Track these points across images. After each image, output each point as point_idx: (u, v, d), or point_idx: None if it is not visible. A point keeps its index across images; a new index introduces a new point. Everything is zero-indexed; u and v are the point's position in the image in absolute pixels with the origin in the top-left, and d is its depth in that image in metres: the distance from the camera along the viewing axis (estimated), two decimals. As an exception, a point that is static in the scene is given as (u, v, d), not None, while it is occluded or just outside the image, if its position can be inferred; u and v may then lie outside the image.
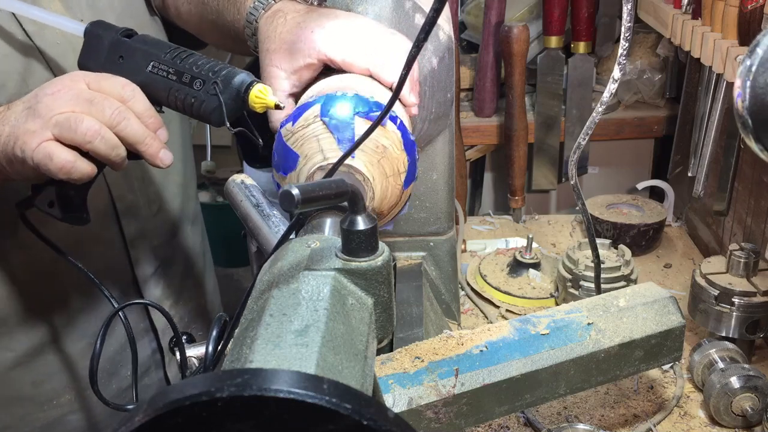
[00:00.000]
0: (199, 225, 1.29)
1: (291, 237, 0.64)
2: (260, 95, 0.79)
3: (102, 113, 0.77)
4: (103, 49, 0.87)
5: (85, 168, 0.77)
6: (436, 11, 0.49)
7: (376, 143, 0.73)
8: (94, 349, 0.81)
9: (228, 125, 0.80)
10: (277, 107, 0.79)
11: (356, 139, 0.72)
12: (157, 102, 0.84)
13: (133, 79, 0.82)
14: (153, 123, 0.81)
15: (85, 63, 0.88)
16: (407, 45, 0.84)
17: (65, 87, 0.78)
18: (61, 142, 0.76)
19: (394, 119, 0.76)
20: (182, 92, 0.82)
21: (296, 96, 0.86)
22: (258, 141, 0.83)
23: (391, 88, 0.82)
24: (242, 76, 0.80)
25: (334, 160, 0.70)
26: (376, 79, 0.82)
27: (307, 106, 0.75)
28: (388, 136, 0.75)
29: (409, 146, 0.77)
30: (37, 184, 0.85)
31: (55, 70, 0.95)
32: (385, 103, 0.78)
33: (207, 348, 0.61)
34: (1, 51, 0.91)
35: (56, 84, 0.79)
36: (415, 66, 0.86)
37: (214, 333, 0.63)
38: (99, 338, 0.81)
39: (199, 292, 1.28)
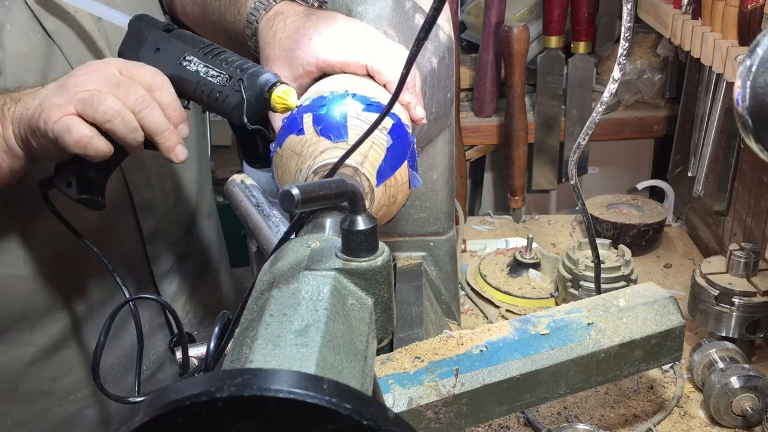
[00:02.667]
0: (214, 220, 1.30)
1: (291, 237, 0.64)
2: (283, 96, 0.80)
3: (126, 97, 0.78)
4: (143, 41, 0.89)
5: (101, 145, 0.78)
6: (436, 10, 0.49)
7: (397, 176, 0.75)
8: (98, 341, 0.81)
9: (246, 122, 0.81)
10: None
11: (388, 152, 0.74)
12: (184, 95, 0.86)
13: (165, 70, 0.84)
14: (176, 116, 0.82)
15: (124, 52, 0.91)
16: (406, 52, 0.84)
17: (98, 69, 0.80)
18: (83, 119, 0.77)
19: (412, 164, 0.78)
20: (208, 86, 0.84)
21: None
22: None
23: (387, 87, 0.82)
24: (268, 76, 0.81)
25: (363, 167, 0.72)
26: (373, 77, 0.82)
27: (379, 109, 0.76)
28: (402, 174, 0.77)
29: (415, 182, 0.79)
30: (60, 164, 0.86)
31: (75, 67, 0.95)
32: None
33: (209, 346, 0.61)
34: (21, 49, 0.91)
35: (90, 66, 0.81)
36: (417, 75, 0.86)
37: (216, 331, 0.63)
38: (104, 330, 0.82)
39: (214, 288, 1.28)
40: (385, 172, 0.74)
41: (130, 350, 1.11)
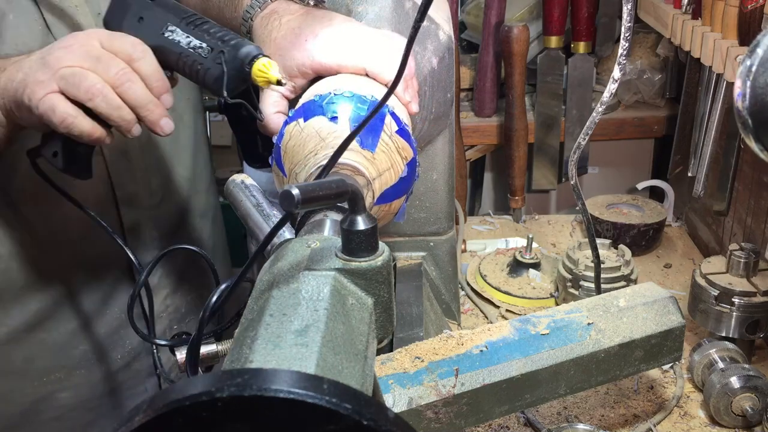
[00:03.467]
0: (210, 219, 1.29)
1: (291, 237, 0.64)
2: (264, 69, 0.78)
3: (107, 72, 0.77)
4: (127, 9, 0.87)
5: (85, 125, 0.78)
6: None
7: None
8: (137, 283, 0.86)
9: (225, 95, 0.79)
10: (279, 83, 0.78)
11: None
12: (167, 66, 0.84)
13: (147, 40, 0.82)
14: (159, 87, 0.81)
15: (109, 22, 0.89)
16: (404, 43, 0.85)
17: (78, 42, 0.79)
18: (67, 97, 0.77)
19: (407, 199, 0.80)
20: (191, 58, 0.82)
21: (290, 101, 0.87)
22: (258, 115, 0.84)
23: (386, 86, 0.83)
24: (249, 48, 0.79)
25: (374, 182, 0.73)
26: (373, 79, 0.82)
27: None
28: (396, 204, 0.79)
29: (400, 216, 0.81)
30: (46, 134, 0.85)
31: None
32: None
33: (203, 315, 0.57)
34: (21, 40, 0.91)
35: (71, 38, 0.80)
36: (411, 63, 0.87)
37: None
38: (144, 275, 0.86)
39: (202, 284, 1.28)
40: (387, 196, 0.76)
41: (104, 338, 1.11)
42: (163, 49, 0.83)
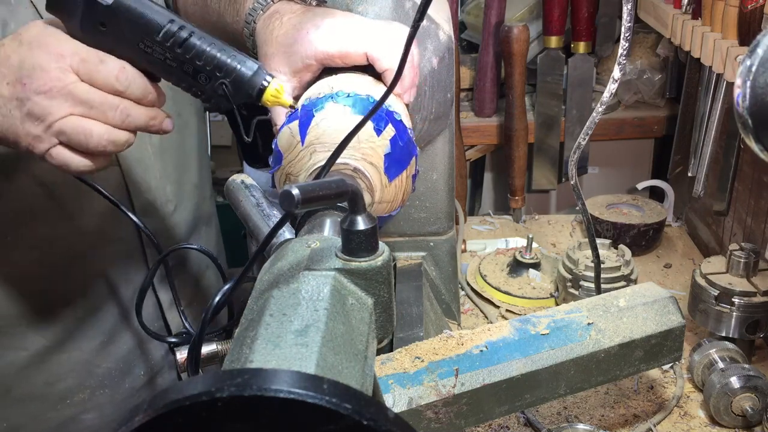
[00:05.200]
0: (214, 226, 1.29)
1: (291, 237, 0.64)
2: (276, 95, 0.77)
3: (105, 116, 0.74)
4: (76, 6, 0.74)
5: (102, 163, 0.78)
6: None
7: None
8: (143, 282, 0.91)
9: (245, 134, 0.80)
10: (291, 107, 0.78)
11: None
12: (152, 75, 0.78)
13: (122, 51, 0.76)
14: (152, 99, 0.78)
15: (59, 15, 0.76)
16: (405, 31, 0.85)
17: (54, 82, 0.72)
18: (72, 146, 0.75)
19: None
20: (184, 81, 0.77)
21: (298, 98, 0.87)
22: (245, 137, 0.83)
23: (386, 75, 0.84)
24: (253, 78, 0.76)
25: (374, 205, 0.75)
26: (372, 65, 0.83)
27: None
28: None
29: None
30: None
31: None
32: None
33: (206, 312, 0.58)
34: None
35: (42, 75, 0.72)
36: (415, 52, 0.87)
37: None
38: (149, 275, 0.91)
39: (211, 296, 1.27)
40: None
41: (127, 354, 1.10)
42: (145, 62, 0.77)
